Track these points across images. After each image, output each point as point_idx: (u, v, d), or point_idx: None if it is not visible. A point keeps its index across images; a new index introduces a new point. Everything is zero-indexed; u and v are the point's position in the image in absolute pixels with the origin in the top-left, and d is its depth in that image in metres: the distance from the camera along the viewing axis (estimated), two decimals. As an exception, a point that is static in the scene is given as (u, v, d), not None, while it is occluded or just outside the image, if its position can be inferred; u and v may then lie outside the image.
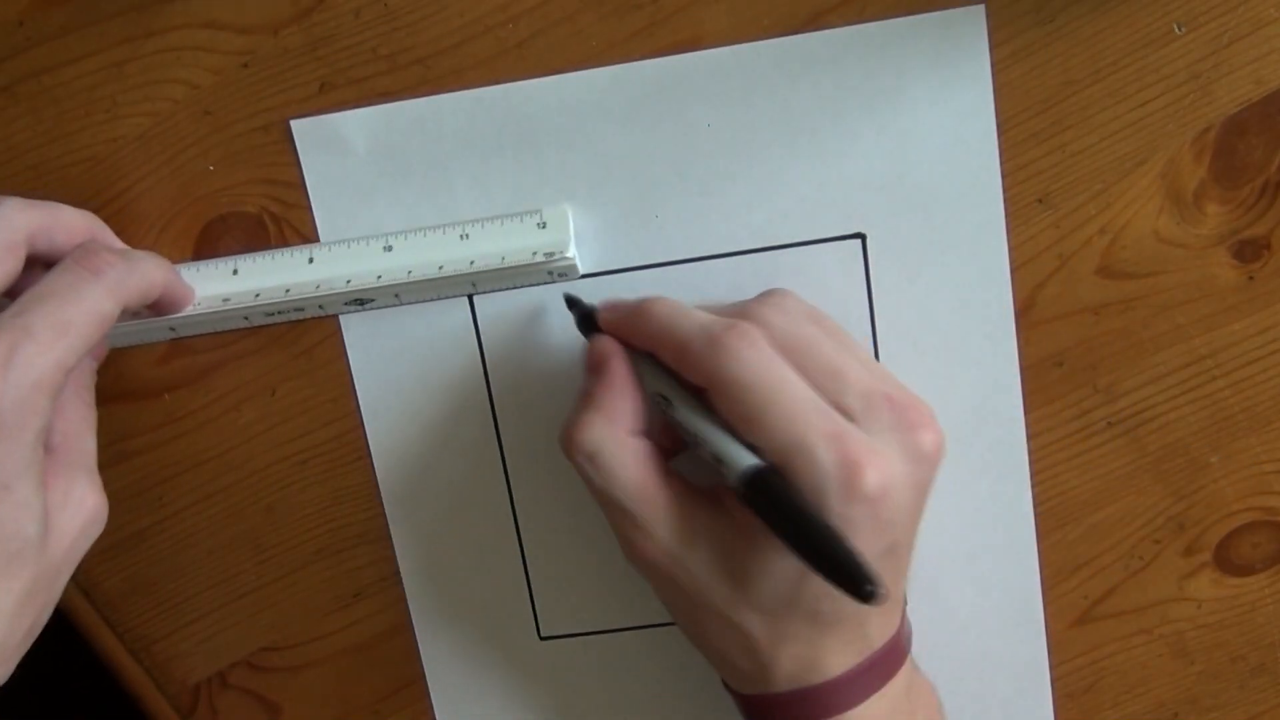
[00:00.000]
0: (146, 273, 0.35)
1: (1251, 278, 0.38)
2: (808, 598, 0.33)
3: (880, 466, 0.31)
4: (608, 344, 0.36)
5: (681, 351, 0.33)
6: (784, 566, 0.32)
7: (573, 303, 0.38)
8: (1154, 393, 0.39)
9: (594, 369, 0.35)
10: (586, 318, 0.37)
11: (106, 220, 0.39)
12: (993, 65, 0.36)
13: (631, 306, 0.36)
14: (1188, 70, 0.36)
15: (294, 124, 0.38)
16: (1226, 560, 0.41)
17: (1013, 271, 0.38)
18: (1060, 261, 0.38)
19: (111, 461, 0.42)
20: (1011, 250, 0.38)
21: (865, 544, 0.31)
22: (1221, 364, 0.39)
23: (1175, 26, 0.36)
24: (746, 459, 0.32)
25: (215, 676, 0.44)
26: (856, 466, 0.31)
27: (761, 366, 0.32)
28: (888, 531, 0.32)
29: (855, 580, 0.29)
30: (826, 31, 0.36)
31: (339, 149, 0.38)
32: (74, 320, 0.32)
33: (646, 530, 0.34)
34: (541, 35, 0.37)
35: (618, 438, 0.34)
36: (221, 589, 0.43)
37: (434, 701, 0.44)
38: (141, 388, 0.41)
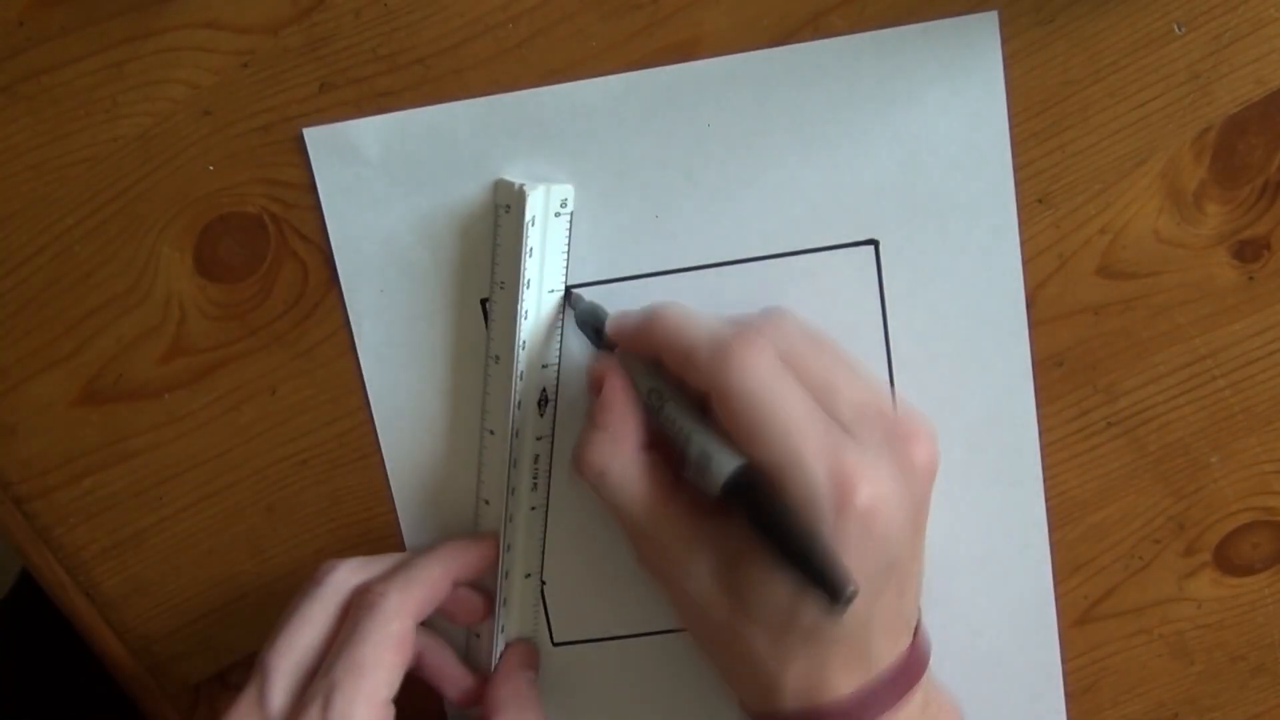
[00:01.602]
0: (421, 579, 0.38)
1: (1251, 278, 0.38)
2: (806, 614, 0.33)
3: (872, 481, 0.31)
4: (605, 361, 0.36)
5: (687, 357, 0.33)
6: (778, 588, 0.32)
7: (578, 305, 0.38)
8: (1154, 393, 0.39)
9: (594, 388, 0.36)
10: (592, 326, 0.38)
11: (106, 220, 0.39)
12: (993, 65, 0.37)
13: (643, 311, 0.36)
14: (1188, 70, 0.36)
15: (306, 132, 0.38)
16: (1226, 560, 0.41)
17: (1013, 271, 0.38)
18: (1060, 261, 0.38)
19: (111, 461, 0.42)
20: (1011, 250, 0.38)
21: (860, 561, 0.31)
22: (1221, 364, 0.39)
23: (1175, 26, 0.36)
24: (731, 459, 0.32)
25: (215, 676, 0.44)
26: (848, 482, 0.31)
27: (766, 377, 0.32)
28: (883, 548, 0.32)
29: (827, 579, 0.29)
30: (838, 38, 0.36)
31: (351, 157, 0.38)
32: (365, 657, 0.35)
33: (656, 542, 0.34)
34: (541, 35, 0.37)
35: (623, 455, 0.35)
36: (221, 589, 0.43)
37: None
38: (141, 388, 0.41)
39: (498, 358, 0.39)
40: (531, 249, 0.37)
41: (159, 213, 0.39)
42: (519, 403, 0.38)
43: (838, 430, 0.32)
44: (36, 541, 0.43)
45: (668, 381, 0.35)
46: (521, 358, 0.38)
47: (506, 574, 0.40)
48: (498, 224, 0.38)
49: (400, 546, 0.42)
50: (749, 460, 0.32)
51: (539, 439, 0.39)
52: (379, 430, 0.41)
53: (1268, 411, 0.39)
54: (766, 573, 0.32)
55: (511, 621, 0.41)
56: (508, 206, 0.38)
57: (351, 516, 0.42)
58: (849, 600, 0.29)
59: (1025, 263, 0.38)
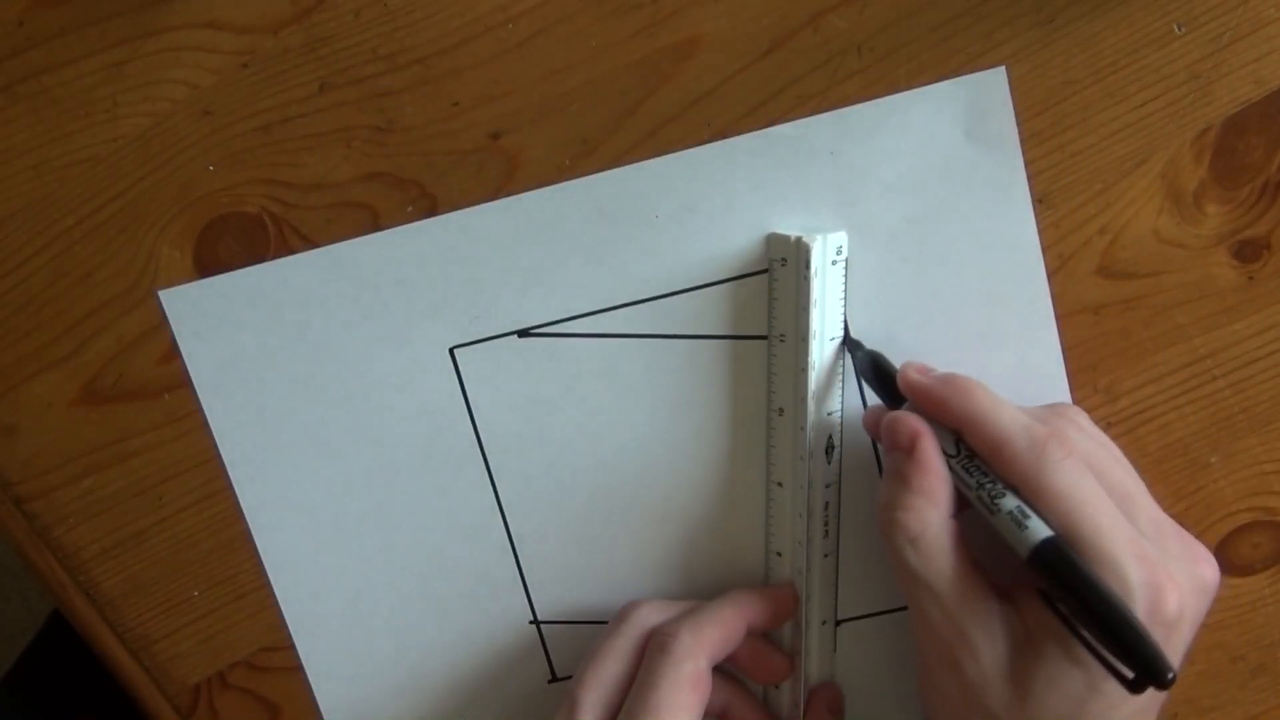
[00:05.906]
0: (712, 619, 0.38)
1: (1251, 278, 0.38)
2: (1090, 715, 0.33)
3: (1179, 592, 0.32)
4: (917, 423, 0.35)
5: (1001, 444, 0.34)
6: (1071, 681, 0.33)
7: (857, 352, 0.38)
8: (1154, 393, 0.39)
9: (903, 447, 0.35)
10: (882, 373, 0.37)
11: (106, 220, 0.39)
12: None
13: (944, 377, 0.36)
14: (1188, 70, 0.36)
15: (162, 294, 0.39)
16: (1226, 560, 0.41)
17: (1013, 271, 0.38)
18: (1060, 261, 0.38)
19: (111, 461, 0.42)
20: (1011, 250, 0.38)
21: None
22: (1221, 364, 0.39)
23: (1175, 26, 0.36)
24: (1044, 527, 0.32)
25: (215, 676, 0.44)
26: (1160, 589, 0.32)
27: (1081, 480, 0.33)
28: (1173, 657, 0.33)
29: (1149, 658, 0.29)
30: (853, 107, 0.37)
31: (216, 319, 0.39)
32: (661, 700, 0.36)
33: (950, 615, 0.34)
34: (541, 35, 0.37)
35: (938, 521, 0.34)
36: (221, 589, 0.43)
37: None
38: (141, 388, 0.41)
39: (781, 410, 0.39)
40: (815, 300, 0.37)
41: (159, 213, 0.39)
42: (808, 453, 0.38)
43: (1145, 539, 0.33)
44: (36, 541, 0.43)
45: (966, 443, 0.35)
46: (809, 409, 0.38)
47: (807, 623, 0.40)
48: (773, 278, 0.38)
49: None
50: (1057, 534, 0.32)
51: (828, 486, 0.39)
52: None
53: (1268, 411, 0.39)
54: (1060, 666, 0.33)
55: (812, 668, 0.41)
56: (783, 260, 0.38)
57: (351, 516, 0.42)
58: (1170, 683, 0.29)
59: (1025, 263, 0.38)
